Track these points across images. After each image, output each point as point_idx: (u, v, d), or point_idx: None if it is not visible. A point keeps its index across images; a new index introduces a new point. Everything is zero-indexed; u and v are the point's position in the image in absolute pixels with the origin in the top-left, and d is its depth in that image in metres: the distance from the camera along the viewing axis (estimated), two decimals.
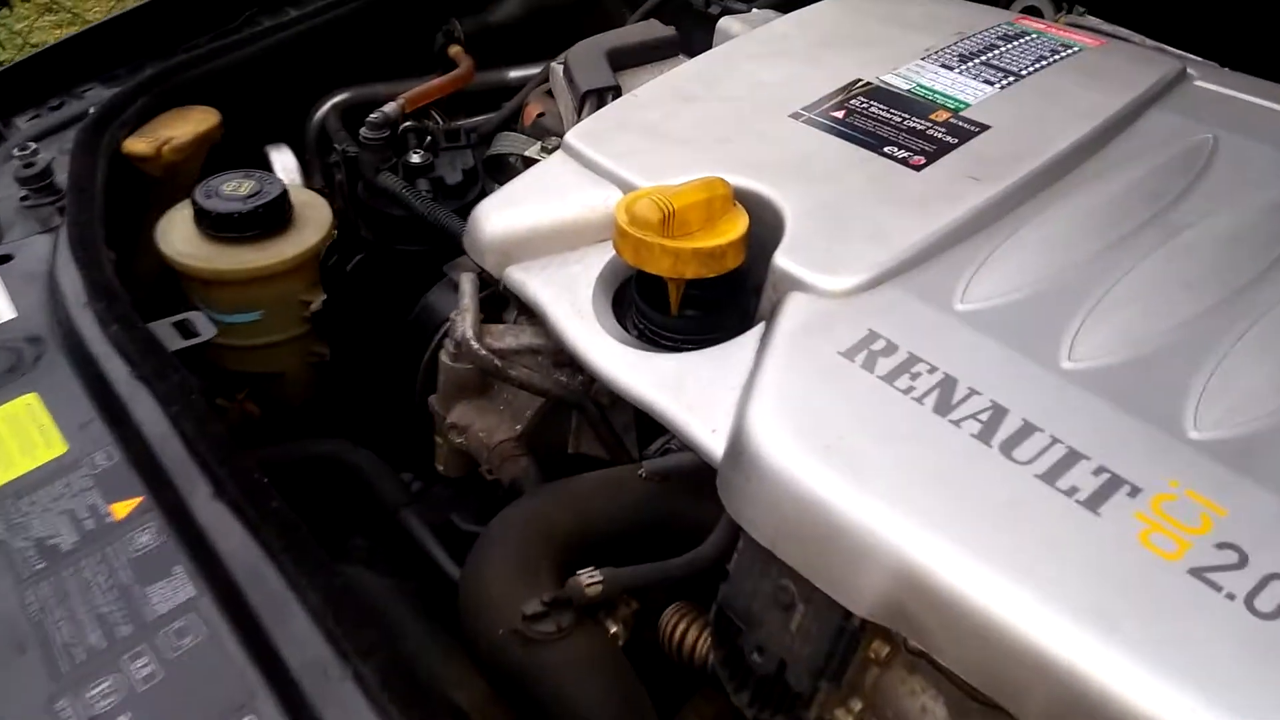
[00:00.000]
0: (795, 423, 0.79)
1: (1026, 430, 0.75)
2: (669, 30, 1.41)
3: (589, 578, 0.83)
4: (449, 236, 1.20)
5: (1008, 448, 0.74)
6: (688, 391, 0.90)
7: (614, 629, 0.98)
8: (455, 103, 1.57)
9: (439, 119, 1.50)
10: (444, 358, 1.13)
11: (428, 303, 1.23)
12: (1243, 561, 0.65)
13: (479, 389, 1.16)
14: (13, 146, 1.21)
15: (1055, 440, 0.74)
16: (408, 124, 1.42)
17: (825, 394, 0.81)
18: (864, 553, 0.72)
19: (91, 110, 1.29)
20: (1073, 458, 0.73)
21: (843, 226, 0.94)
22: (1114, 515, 0.69)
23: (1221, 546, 0.66)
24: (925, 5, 1.28)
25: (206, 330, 0.96)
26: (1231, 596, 0.64)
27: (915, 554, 0.70)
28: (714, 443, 0.85)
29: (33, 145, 1.19)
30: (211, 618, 0.75)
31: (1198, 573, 0.65)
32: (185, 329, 0.98)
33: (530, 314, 1.07)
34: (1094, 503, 0.70)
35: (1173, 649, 0.62)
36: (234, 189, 1.20)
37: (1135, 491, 0.70)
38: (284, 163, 1.38)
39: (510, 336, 1.07)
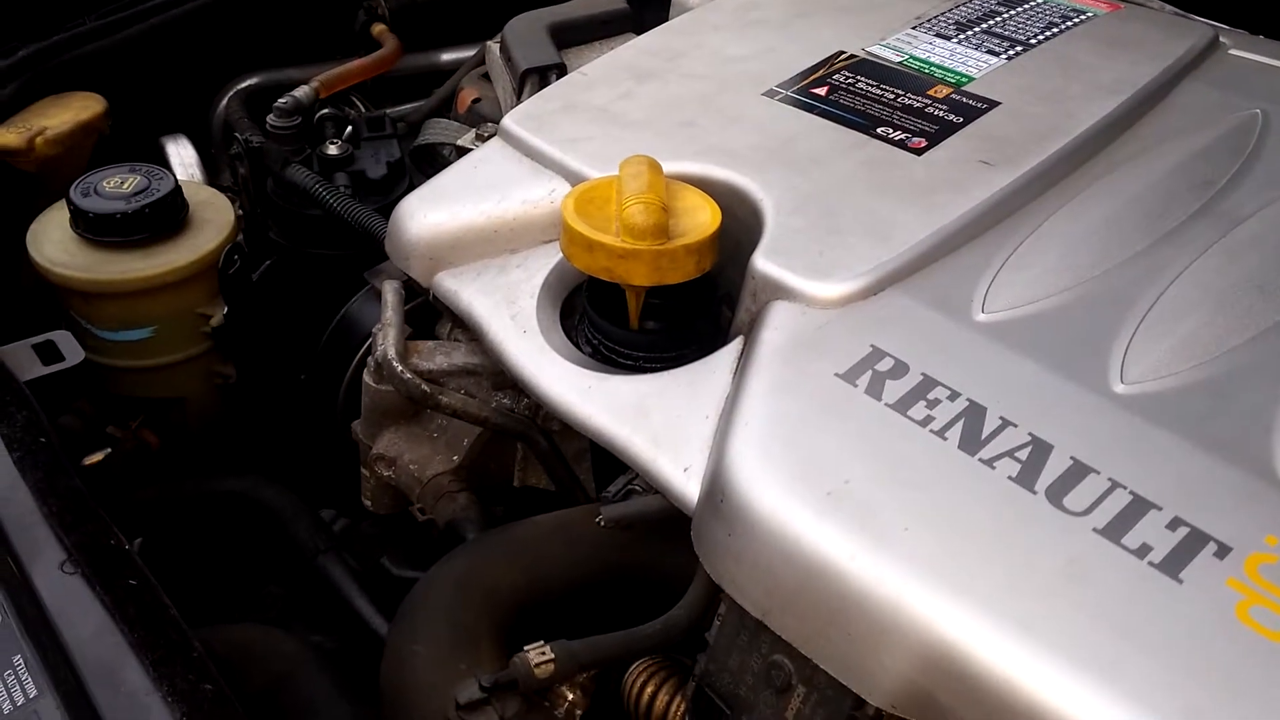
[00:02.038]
0: (789, 463, 0.64)
1: (1078, 471, 0.60)
2: (620, 3, 1.25)
3: (538, 654, 0.67)
4: (371, 239, 1.03)
5: (1057, 494, 0.59)
6: (653, 421, 0.75)
7: (570, 697, 0.82)
8: (380, 89, 1.40)
9: (361, 106, 1.33)
10: (367, 378, 0.97)
11: (347, 315, 1.07)
12: None
13: (409, 414, 1.00)
14: None
15: (1115, 484, 0.59)
16: (324, 111, 1.25)
17: (823, 426, 0.66)
18: (884, 630, 0.57)
19: None
20: (1140, 507, 0.58)
21: (832, 221, 0.79)
22: (1199, 582, 0.55)
23: None
24: None
25: (73, 355, 0.80)
26: None
27: (948, 632, 0.55)
28: (687, 485, 0.70)
29: None
30: None
31: None
32: (47, 353, 0.81)
33: (465, 328, 0.91)
34: (1172, 566, 0.55)
35: None
36: (116, 186, 1.03)
37: (1224, 551, 0.56)
38: (181, 156, 1.20)
39: (441, 355, 0.91)
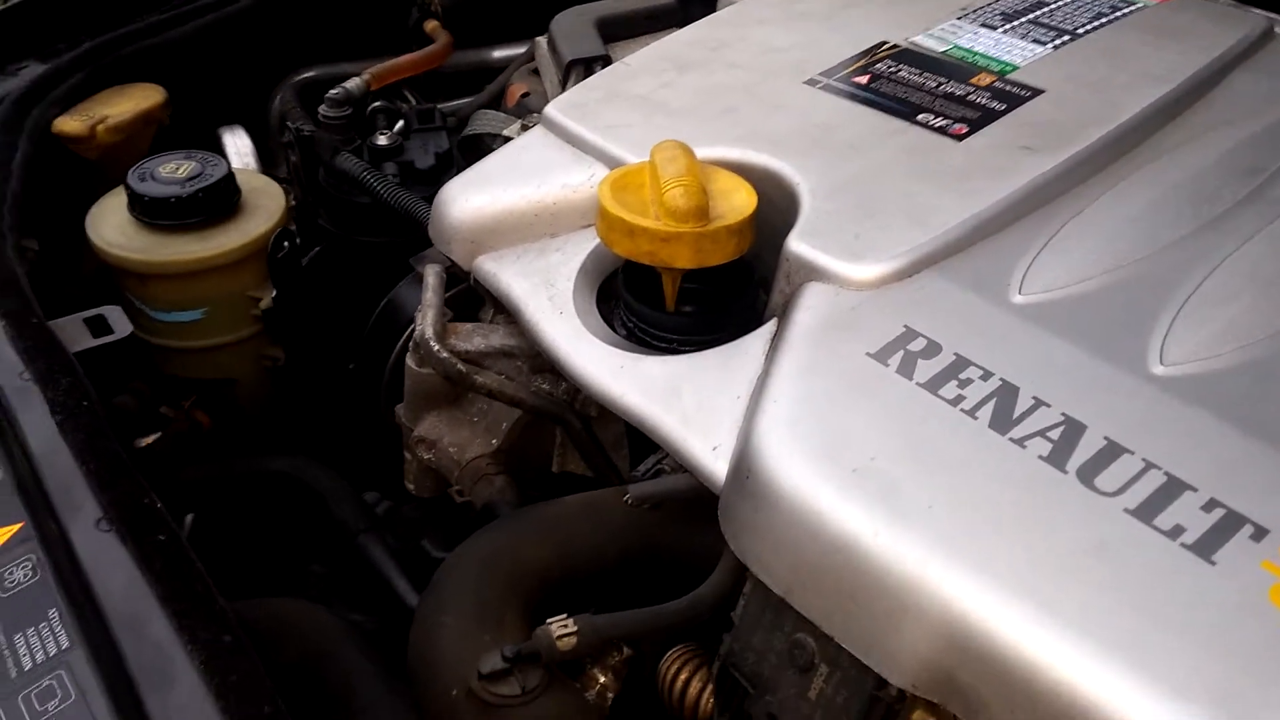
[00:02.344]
0: (815, 441, 0.64)
1: (1111, 451, 0.59)
2: None
3: (561, 627, 0.68)
4: (417, 225, 1.05)
5: (1088, 474, 0.58)
6: (684, 401, 0.75)
7: (602, 679, 0.82)
8: (432, 85, 1.42)
9: (413, 100, 1.35)
10: (409, 362, 0.98)
11: (393, 300, 1.08)
12: None
13: (450, 398, 1.01)
14: None
15: (1150, 465, 0.58)
16: (377, 104, 1.27)
17: (852, 405, 0.65)
18: (905, 608, 0.57)
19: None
20: (1175, 487, 0.57)
21: (869, 205, 0.79)
22: (1232, 564, 0.53)
23: None
24: None
25: (121, 327, 0.82)
26: None
27: (971, 611, 0.54)
28: (715, 463, 0.70)
29: None
30: (84, 676, 0.60)
31: None
32: (97, 326, 0.83)
33: (504, 311, 0.92)
34: (1205, 548, 0.54)
35: None
36: (172, 171, 1.06)
37: (1261, 534, 0.54)
38: (238, 145, 1.23)
39: (479, 337, 0.92)
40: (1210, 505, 0.56)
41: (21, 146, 1.05)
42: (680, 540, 0.79)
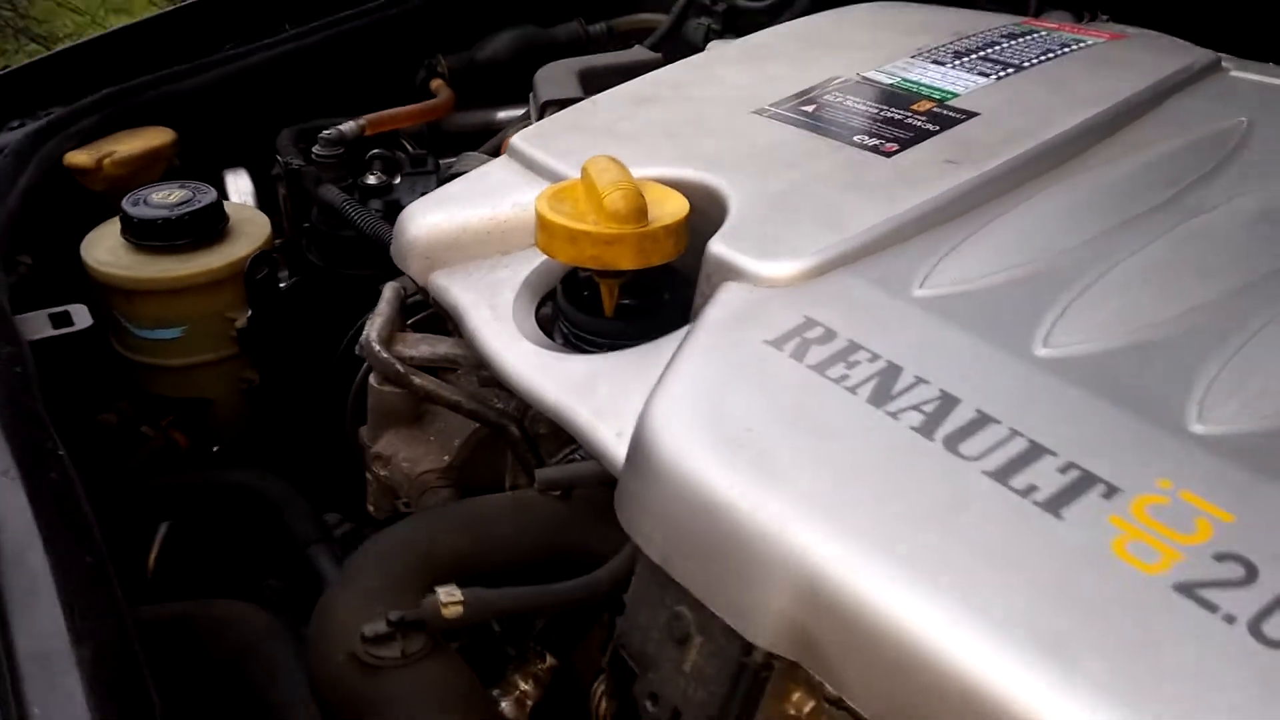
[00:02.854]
0: (699, 416, 0.65)
1: (980, 422, 0.59)
2: (653, 55, 1.31)
3: (448, 595, 0.68)
4: (387, 251, 1.09)
5: (953, 441, 0.58)
6: (598, 395, 0.77)
7: (522, 686, 0.82)
8: (438, 143, 1.48)
9: (410, 149, 1.41)
10: (372, 381, 1.01)
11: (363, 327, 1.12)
12: (1250, 577, 0.48)
13: (409, 418, 1.03)
14: None
15: (1015, 433, 0.58)
16: (375, 151, 1.33)
17: (740, 385, 0.66)
18: (764, 565, 0.57)
19: None
20: (1035, 453, 0.57)
21: (792, 213, 0.81)
22: (1080, 519, 0.52)
23: (1222, 558, 0.49)
24: (929, 12, 1.17)
25: (82, 320, 0.86)
26: (1231, 619, 0.47)
27: (817, 559, 0.54)
28: (618, 448, 0.71)
29: None
30: None
31: (1187, 589, 0.48)
32: (60, 320, 0.88)
33: (453, 323, 0.95)
34: (1055, 504, 0.53)
35: (1153, 685, 0.45)
36: (164, 197, 1.12)
37: (1112, 492, 0.54)
38: (239, 185, 1.29)
39: (425, 345, 0.95)
40: (1067, 468, 0.55)
41: (29, 172, 1.12)
42: (600, 538, 0.80)
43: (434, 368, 0.94)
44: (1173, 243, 0.71)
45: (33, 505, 0.60)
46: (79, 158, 1.19)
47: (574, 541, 0.80)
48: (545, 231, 0.83)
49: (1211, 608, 0.47)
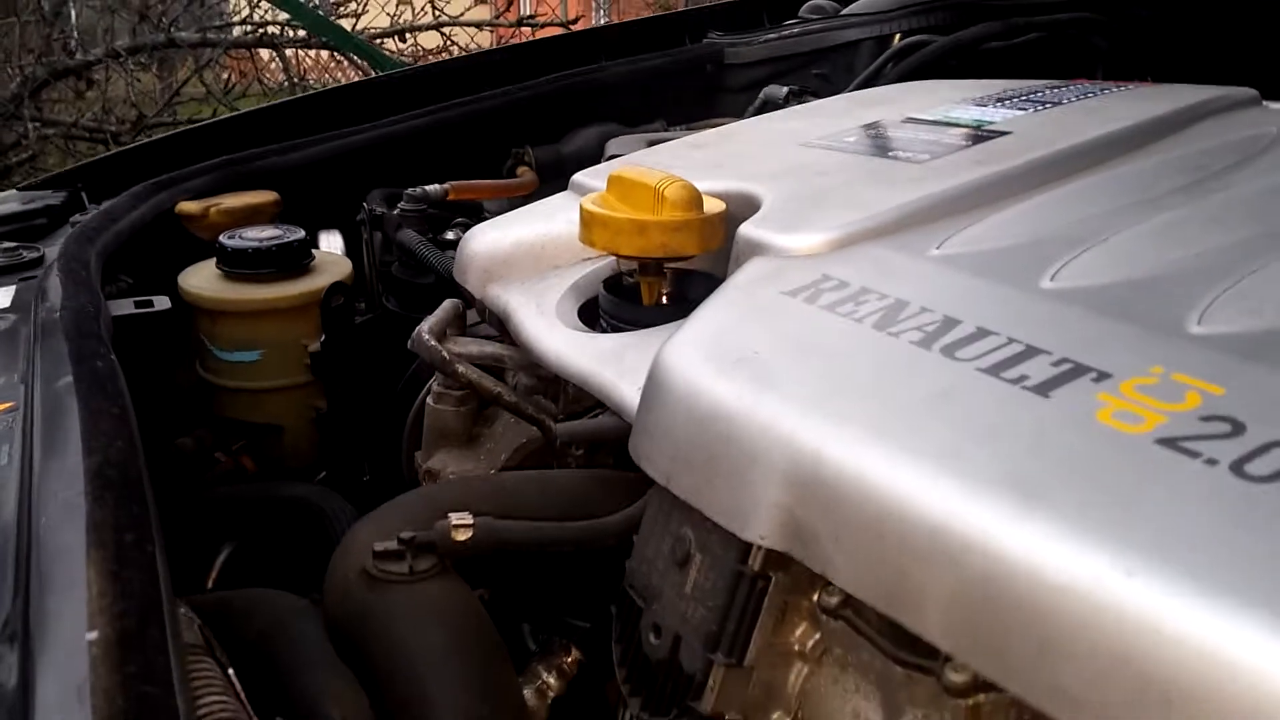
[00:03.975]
0: (708, 346, 0.67)
1: (979, 335, 0.60)
2: None
3: (459, 520, 0.69)
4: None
5: (951, 350, 0.59)
6: (624, 361, 0.79)
7: (545, 677, 0.82)
8: None
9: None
10: (429, 400, 1.05)
11: (423, 360, 1.17)
12: (1236, 430, 0.47)
13: (462, 438, 1.07)
14: None
15: (1012, 340, 0.58)
16: (459, 220, 1.42)
17: (753, 324, 0.68)
18: (755, 457, 0.57)
19: None
20: (1029, 353, 0.57)
21: (820, 202, 0.84)
22: (1067, 397, 0.52)
23: (1209, 419, 0.48)
24: (986, 82, 1.21)
25: (161, 304, 0.93)
26: (1213, 462, 0.45)
27: (804, 443, 0.54)
28: (636, 399, 0.73)
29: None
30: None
31: (1170, 442, 0.47)
32: (142, 304, 0.95)
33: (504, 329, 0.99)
34: (1044, 389, 0.53)
35: (1118, 514, 0.44)
36: (257, 233, 1.21)
37: (1102, 377, 0.53)
38: (330, 242, 1.39)
39: (474, 345, 0.99)
40: (1060, 362, 0.55)
41: (141, 210, 1.23)
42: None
43: (481, 366, 0.98)
44: (1190, 209, 0.72)
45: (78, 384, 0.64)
46: (189, 206, 1.30)
47: (594, 513, 0.81)
48: (608, 229, 0.86)
49: (1193, 455, 0.46)
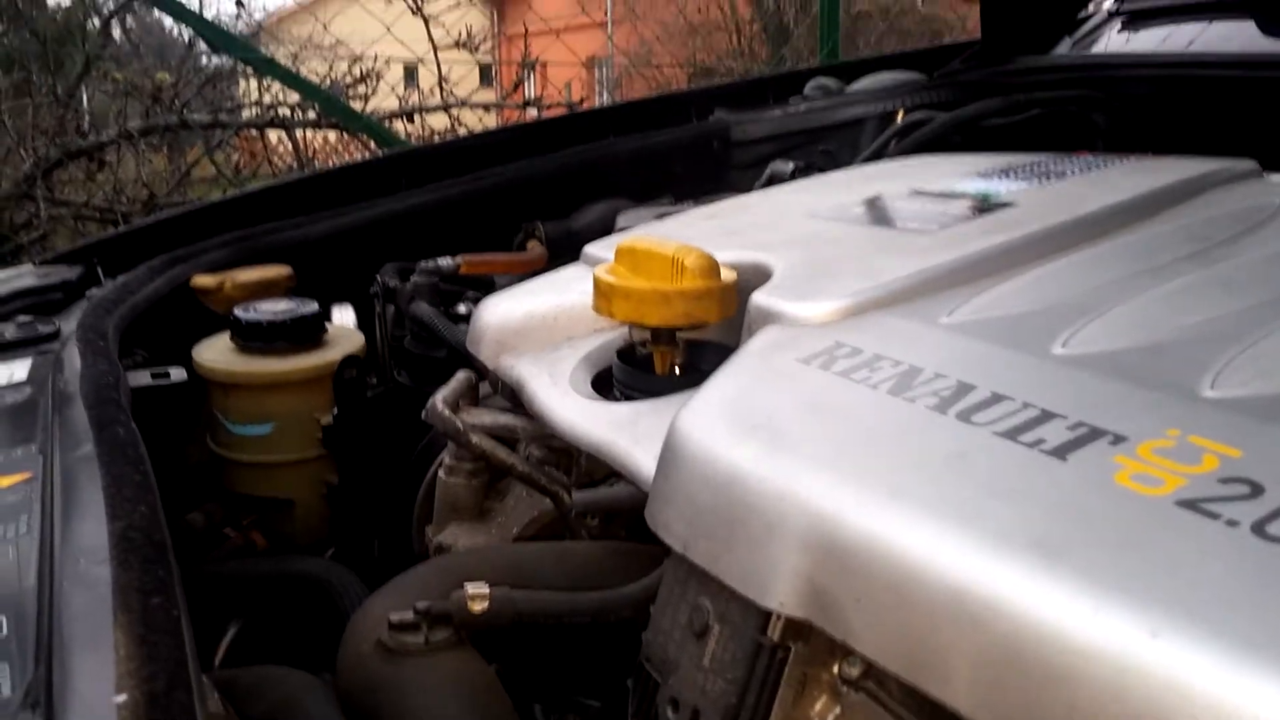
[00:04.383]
0: (723, 412, 0.67)
1: (994, 400, 0.60)
2: None
3: (475, 590, 0.69)
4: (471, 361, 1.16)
5: (966, 415, 0.59)
6: (638, 429, 0.80)
7: None
8: None
9: None
10: (440, 474, 1.05)
11: (436, 435, 1.17)
12: (1256, 492, 0.47)
13: (473, 512, 1.06)
14: None
15: (1027, 405, 0.59)
16: (471, 294, 1.43)
17: (768, 390, 0.69)
18: (772, 523, 0.57)
19: None
20: (1045, 417, 0.57)
21: (831, 271, 0.85)
22: (1085, 460, 0.52)
23: (1228, 481, 0.49)
24: (991, 155, 1.24)
25: (178, 375, 0.94)
26: (1234, 523, 0.45)
27: (824, 506, 0.55)
28: (652, 467, 0.73)
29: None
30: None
31: (1190, 504, 0.47)
32: (159, 375, 0.96)
33: (516, 399, 1.00)
34: (1062, 452, 0.54)
35: (1142, 574, 0.44)
36: (271, 307, 1.22)
37: (1119, 440, 0.54)
38: (343, 315, 1.40)
39: (488, 415, 0.99)
40: (1076, 426, 0.56)
41: (156, 284, 1.24)
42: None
43: (494, 437, 0.98)
44: (1197, 277, 0.73)
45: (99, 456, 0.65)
46: (204, 279, 1.32)
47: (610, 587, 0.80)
48: (630, 299, 0.86)
49: (1214, 516, 0.46)
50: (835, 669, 0.58)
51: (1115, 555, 0.45)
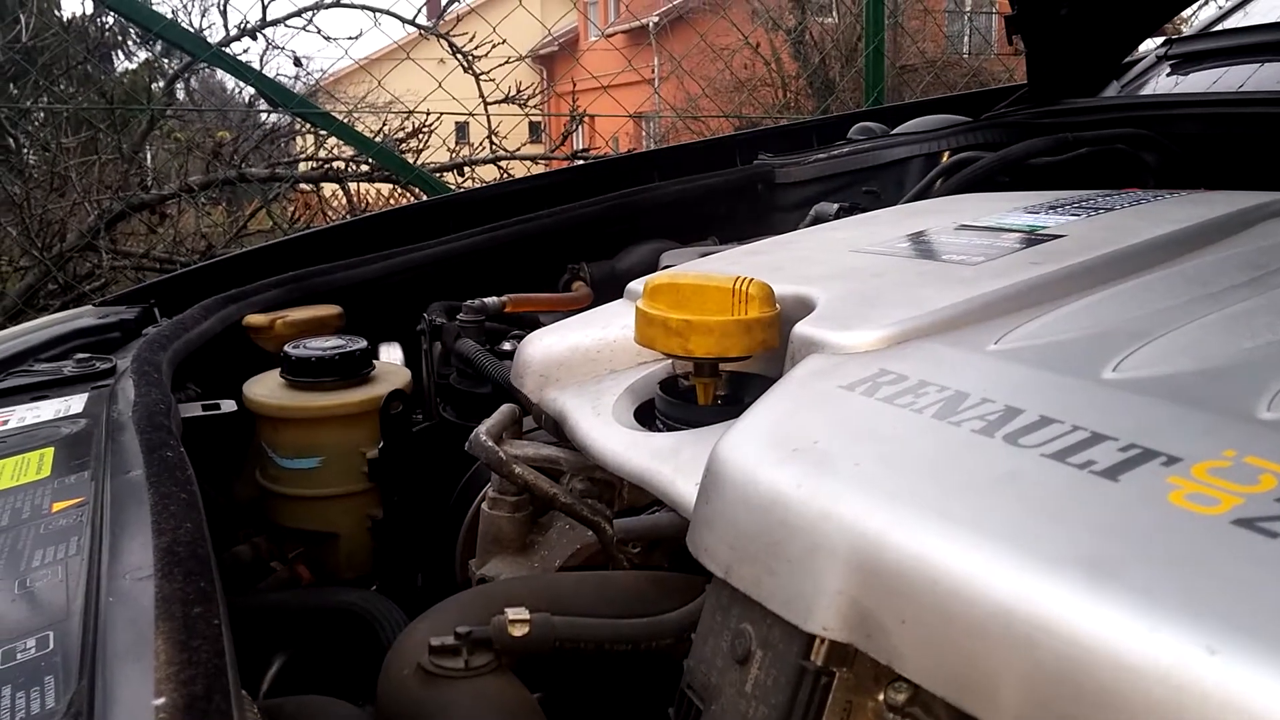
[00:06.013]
0: (767, 437, 0.66)
1: (1042, 423, 0.59)
2: None
3: (516, 615, 0.69)
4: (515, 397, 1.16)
5: (1014, 437, 0.58)
6: (681, 458, 0.79)
7: None
8: None
9: None
10: (484, 507, 1.05)
11: (479, 469, 1.18)
12: None
13: (516, 546, 1.06)
14: None
15: (1076, 428, 0.58)
16: (515, 333, 1.44)
17: (812, 415, 0.68)
18: (815, 545, 0.56)
19: None
20: (1095, 440, 0.56)
21: (876, 301, 0.84)
22: (1137, 480, 0.51)
23: None
24: (1036, 193, 1.23)
25: (228, 406, 0.95)
26: None
27: (866, 527, 0.54)
28: (695, 495, 0.72)
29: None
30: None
31: (1248, 523, 0.46)
32: (209, 407, 0.97)
33: (560, 433, 1.00)
34: (1113, 473, 0.52)
35: (1198, 592, 0.42)
36: (320, 343, 1.24)
37: (1172, 461, 0.52)
38: (390, 354, 1.42)
39: (530, 448, 0.99)
40: (1128, 448, 0.54)
41: (210, 322, 1.27)
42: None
43: (537, 468, 0.98)
44: (1252, 303, 0.71)
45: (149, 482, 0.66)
46: (256, 319, 1.34)
47: (650, 614, 0.79)
48: (688, 334, 0.85)
49: (1272, 535, 0.45)
50: (880, 696, 0.57)
51: (1170, 573, 0.44)
